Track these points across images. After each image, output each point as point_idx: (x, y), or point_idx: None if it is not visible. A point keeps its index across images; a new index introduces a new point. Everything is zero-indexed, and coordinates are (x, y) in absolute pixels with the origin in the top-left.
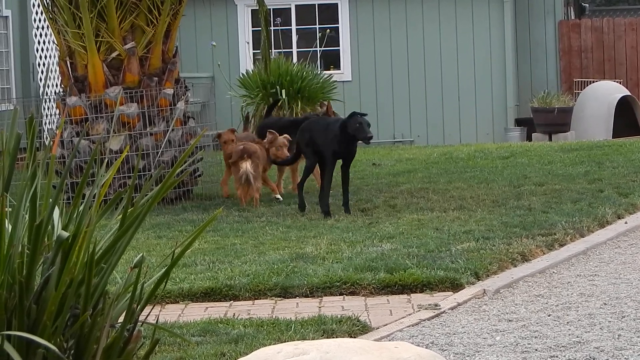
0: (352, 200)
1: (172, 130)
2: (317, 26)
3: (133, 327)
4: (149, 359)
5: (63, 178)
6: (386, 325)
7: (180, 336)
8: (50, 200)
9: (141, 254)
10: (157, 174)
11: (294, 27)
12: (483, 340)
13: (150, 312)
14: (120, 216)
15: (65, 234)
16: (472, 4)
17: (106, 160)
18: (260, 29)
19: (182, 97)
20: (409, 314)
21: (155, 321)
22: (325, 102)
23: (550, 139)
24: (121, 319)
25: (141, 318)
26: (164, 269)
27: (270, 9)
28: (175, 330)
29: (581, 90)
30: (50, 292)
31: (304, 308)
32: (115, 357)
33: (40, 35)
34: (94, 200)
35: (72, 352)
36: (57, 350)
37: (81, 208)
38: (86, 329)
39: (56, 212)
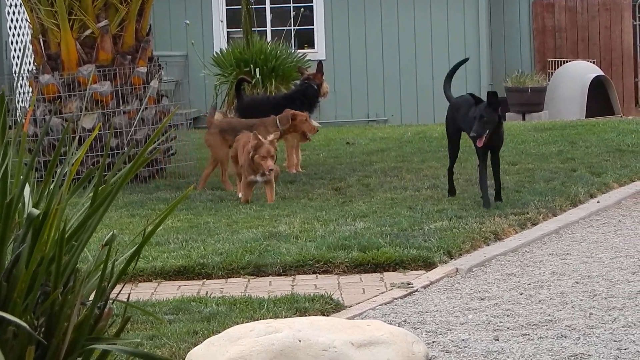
0: (325, 179)
1: (146, 108)
2: (292, 5)
3: (104, 304)
4: (120, 337)
5: (34, 155)
6: (359, 303)
7: (152, 314)
8: (21, 177)
9: (112, 232)
10: (127, 152)
11: (268, 5)
12: (455, 319)
13: (121, 290)
14: (91, 194)
15: (36, 212)
16: None
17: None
18: (234, 7)
19: (156, 75)
20: (382, 293)
21: (127, 299)
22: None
23: (523, 119)
24: (92, 297)
25: (112, 296)
26: (134, 247)
27: None
28: (148, 308)
29: (555, 70)
30: (20, 270)
31: (277, 286)
32: (86, 335)
33: (14, 13)
34: (65, 178)
35: (43, 329)
36: (27, 327)
37: (52, 186)
38: (57, 306)
39: (27, 190)
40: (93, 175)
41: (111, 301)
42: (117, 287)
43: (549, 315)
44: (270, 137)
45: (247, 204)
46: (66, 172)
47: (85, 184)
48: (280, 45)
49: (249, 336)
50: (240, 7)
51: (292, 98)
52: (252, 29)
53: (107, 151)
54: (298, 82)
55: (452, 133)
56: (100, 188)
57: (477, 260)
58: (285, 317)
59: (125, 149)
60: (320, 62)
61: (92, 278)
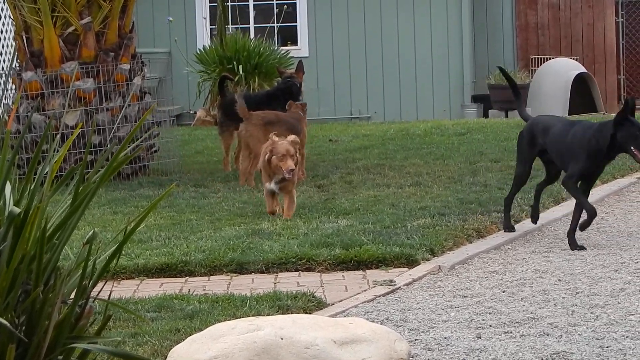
0: (307, 176)
1: (129, 105)
2: (275, 2)
3: (85, 303)
4: (102, 335)
5: (14, 153)
6: (341, 301)
7: (133, 312)
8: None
9: (92, 230)
10: (109, 149)
11: (251, 2)
12: (438, 316)
13: (102, 288)
14: (72, 192)
15: (17, 210)
16: None
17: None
18: (217, 4)
19: (139, 72)
20: (364, 290)
21: (108, 297)
22: (283, 70)
23: (506, 116)
24: (73, 296)
25: (94, 294)
26: (116, 246)
27: None
28: (130, 306)
29: (538, 67)
30: (1, 268)
31: (260, 284)
32: (66, 333)
33: None
34: (47, 176)
35: (24, 328)
36: (8, 325)
37: (34, 184)
38: (38, 305)
39: (8, 188)
40: (75, 173)
41: (92, 299)
42: (99, 285)
43: (532, 312)
44: (291, 137)
45: (229, 202)
46: (48, 170)
47: (67, 181)
48: (263, 42)
49: (231, 334)
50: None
51: (275, 95)
52: (234, 26)
53: (88, 148)
54: (280, 79)
55: (528, 156)
56: (81, 186)
57: (460, 258)
58: (268, 314)
59: (108, 146)
60: (300, 61)
61: (73, 276)
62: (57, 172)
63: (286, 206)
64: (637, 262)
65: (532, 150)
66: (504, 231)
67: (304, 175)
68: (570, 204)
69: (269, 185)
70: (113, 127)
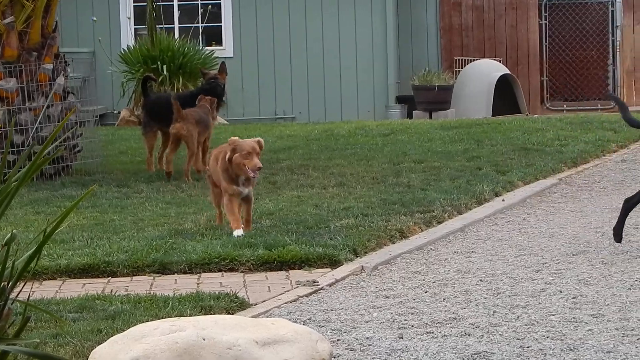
0: None
1: (51, 105)
2: (199, 2)
3: (3, 304)
4: (21, 336)
5: None
6: (264, 301)
7: (51, 313)
8: None
9: (11, 231)
10: (30, 149)
11: (175, 2)
12: (360, 317)
13: (22, 289)
14: None
15: None
16: None
17: None
18: (141, 4)
19: (62, 72)
20: (287, 291)
21: (27, 298)
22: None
23: (430, 117)
24: None
25: (13, 295)
26: (35, 247)
27: None
28: (52, 306)
29: (461, 68)
30: None
31: (183, 284)
32: None
33: None
34: None
35: None
36: None
37: None
38: None
39: None
40: None
41: (11, 301)
42: (19, 286)
43: (453, 313)
44: (256, 139)
45: (152, 202)
46: None
47: None
48: (188, 42)
49: (153, 335)
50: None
51: (199, 95)
52: (159, 26)
53: (7, 148)
54: (203, 80)
55: None
56: (1, 186)
57: (383, 258)
58: (190, 315)
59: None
60: (223, 62)
61: None
62: None
63: (246, 211)
64: (559, 263)
65: None
66: (614, 239)
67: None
68: (493, 205)
69: (236, 188)
70: (35, 127)
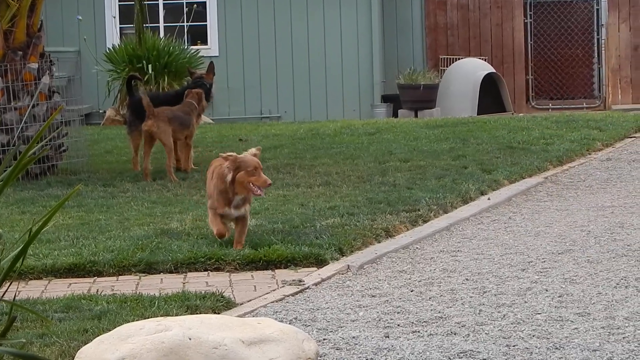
0: None
1: (37, 105)
2: (184, 1)
3: None
4: (7, 336)
5: None
6: (250, 301)
7: (37, 313)
8: None
9: None
10: (16, 149)
11: (160, 1)
12: (346, 316)
13: (7, 289)
14: None
15: None
16: None
17: None
18: (126, 3)
19: (47, 71)
20: (273, 290)
21: (13, 298)
22: (194, 70)
23: (416, 116)
24: None
25: None
26: (21, 246)
27: None
28: (38, 306)
29: (447, 67)
30: None
31: (168, 284)
32: None
33: None
34: None
35: None
36: None
37: None
38: None
39: None
40: None
41: None
42: (5, 286)
43: (439, 312)
44: (253, 150)
45: (138, 202)
46: None
47: None
48: (173, 41)
49: (139, 334)
50: (133, 3)
51: (184, 95)
52: (144, 25)
53: None
54: (190, 79)
55: None
56: None
57: (369, 257)
58: (176, 314)
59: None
60: (211, 62)
61: None
62: None
63: (238, 231)
64: (544, 262)
65: None
66: None
67: (190, 168)
68: (478, 204)
69: (227, 210)
70: (20, 127)
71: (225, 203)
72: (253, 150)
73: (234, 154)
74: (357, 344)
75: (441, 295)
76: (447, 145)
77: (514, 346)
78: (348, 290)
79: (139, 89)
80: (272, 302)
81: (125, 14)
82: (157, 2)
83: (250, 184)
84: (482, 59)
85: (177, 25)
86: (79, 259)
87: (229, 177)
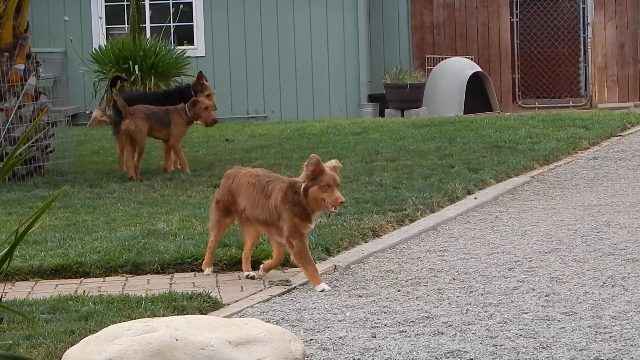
0: (204, 176)
1: (23, 106)
2: (171, 1)
3: None
4: None
5: None
6: (237, 301)
7: (23, 314)
8: None
9: None
10: (1, 151)
11: (147, 2)
12: (333, 316)
13: None
14: None
15: None
16: None
17: None
18: (113, 4)
19: (34, 72)
20: (260, 290)
21: (0, 299)
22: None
23: (402, 115)
24: None
25: None
26: (7, 248)
27: None
28: (24, 307)
29: (433, 66)
30: None
31: (155, 285)
32: None
33: None
34: None
35: None
36: None
37: None
38: None
39: None
40: None
41: None
42: None
43: (426, 312)
44: (333, 162)
45: (124, 202)
46: None
47: None
48: (160, 41)
49: (126, 335)
50: (119, 3)
51: (170, 95)
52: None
53: None
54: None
55: None
56: None
57: (355, 257)
58: (163, 315)
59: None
60: (200, 72)
61: None
62: None
63: (278, 255)
64: (531, 261)
65: None
66: None
67: (170, 169)
68: (465, 203)
69: (311, 225)
70: (6, 128)
71: (306, 218)
72: (333, 162)
73: (318, 159)
74: (344, 344)
75: (428, 295)
76: (434, 145)
77: (501, 346)
78: (335, 290)
79: (119, 90)
80: (259, 303)
81: (111, 15)
82: (143, 2)
83: (324, 200)
84: (469, 58)
85: (163, 26)
86: (66, 260)
87: (303, 185)
